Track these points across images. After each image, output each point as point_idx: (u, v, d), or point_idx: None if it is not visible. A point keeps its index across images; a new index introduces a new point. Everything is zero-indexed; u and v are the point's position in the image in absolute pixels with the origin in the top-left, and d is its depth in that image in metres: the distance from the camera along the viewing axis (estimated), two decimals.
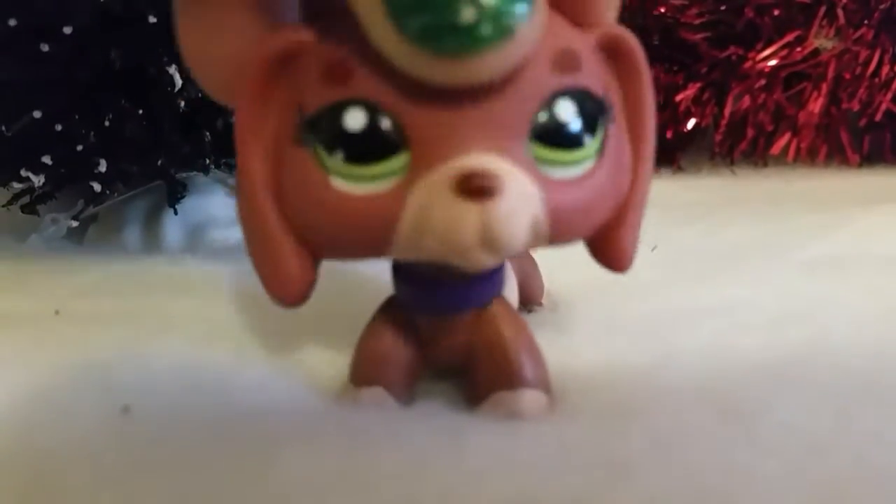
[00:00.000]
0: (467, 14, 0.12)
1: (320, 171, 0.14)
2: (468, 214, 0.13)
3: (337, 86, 0.14)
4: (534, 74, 0.14)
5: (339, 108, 0.14)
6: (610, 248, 0.16)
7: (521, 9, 0.13)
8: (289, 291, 0.15)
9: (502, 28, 0.13)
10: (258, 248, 0.15)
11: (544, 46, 0.14)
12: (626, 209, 0.16)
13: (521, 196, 0.14)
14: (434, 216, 0.14)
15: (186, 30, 0.15)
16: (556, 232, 0.15)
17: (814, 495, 0.14)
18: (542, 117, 0.14)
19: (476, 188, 0.13)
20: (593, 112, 0.15)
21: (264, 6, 0.15)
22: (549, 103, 0.14)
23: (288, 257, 0.15)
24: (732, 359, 0.20)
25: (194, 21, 0.15)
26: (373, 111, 0.14)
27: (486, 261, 0.14)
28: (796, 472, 0.14)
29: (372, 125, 0.14)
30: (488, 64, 0.13)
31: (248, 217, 0.15)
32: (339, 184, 0.14)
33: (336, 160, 0.14)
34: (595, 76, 0.15)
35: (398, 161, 0.14)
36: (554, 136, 0.15)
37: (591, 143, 0.15)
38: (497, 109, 0.14)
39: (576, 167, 0.15)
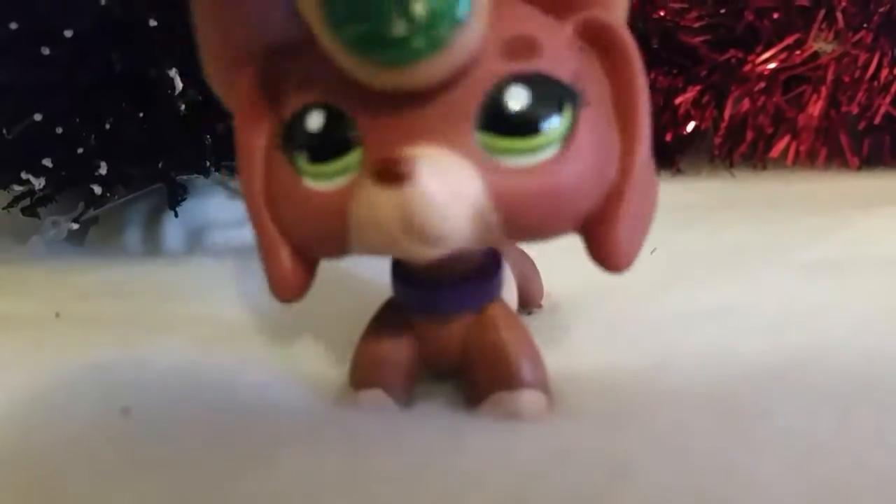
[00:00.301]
0: (399, 28, 0.13)
1: (294, 173, 0.15)
2: (384, 200, 0.14)
3: (304, 92, 0.15)
4: (479, 64, 0.14)
5: (303, 112, 0.15)
6: (602, 244, 0.15)
7: (454, 20, 0.13)
8: (283, 289, 0.16)
9: (435, 41, 0.13)
10: (260, 251, 0.16)
11: (492, 36, 0.14)
12: (616, 201, 0.15)
13: (446, 181, 0.14)
14: (360, 205, 0.14)
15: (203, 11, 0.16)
16: (511, 221, 0.14)
17: (813, 498, 0.14)
18: (489, 105, 0.14)
19: (388, 174, 0.13)
20: (554, 97, 0.14)
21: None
22: (498, 91, 0.14)
23: (281, 258, 0.16)
24: (732, 361, 0.20)
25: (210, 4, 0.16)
26: (328, 112, 0.15)
27: (424, 252, 0.14)
28: (796, 475, 0.14)
29: (327, 124, 0.15)
30: (423, 74, 0.13)
31: (252, 224, 0.16)
32: (308, 183, 0.15)
33: (303, 160, 0.15)
34: (560, 62, 0.15)
35: (353, 158, 0.15)
36: (504, 124, 0.14)
37: (551, 130, 0.14)
38: (441, 102, 0.14)
39: (534, 154, 0.14)
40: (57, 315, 0.26)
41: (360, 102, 0.14)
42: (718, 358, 0.20)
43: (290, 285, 0.16)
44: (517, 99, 0.14)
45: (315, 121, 0.15)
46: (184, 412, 0.18)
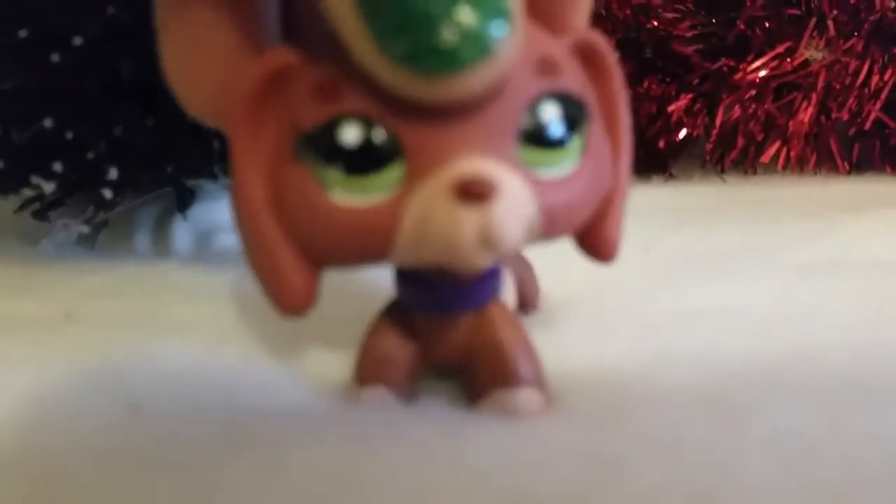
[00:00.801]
0: (448, 37, 0.13)
1: (318, 185, 0.15)
2: (468, 218, 0.14)
3: (328, 102, 0.14)
4: (519, 80, 0.15)
5: (333, 124, 0.14)
6: (597, 240, 0.17)
7: (500, 29, 0.13)
8: (293, 303, 0.15)
9: (483, 49, 0.13)
10: (260, 263, 0.16)
11: (527, 53, 0.15)
12: (609, 202, 0.17)
13: (516, 197, 0.15)
14: (434, 222, 0.14)
15: (168, 48, 0.16)
16: (548, 229, 0.16)
17: (806, 497, 0.14)
18: (529, 120, 0.15)
19: (474, 193, 0.14)
20: (574, 113, 0.16)
21: (247, 26, 0.16)
22: (534, 106, 0.15)
23: (290, 271, 0.15)
24: (724, 361, 0.20)
25: (176, 40, 0.16)
26: (366, 124, 0.14)
27: (484, 262, 0.15)
28: (788, 474, 0.15)
29: (366, 137, 0.14)
30: (470, 83, 0.14)
31: (249, 234, 0.15)
32: (338, 196, 0.15)
33: (333, 173, 0.15)
34: (573, 79, 0.16)
35: (395, 171, 0.15)
36: (540, 138, 0.15)
37: (574, 143, 0.16)
38: (486, 115, 0.15)
39: (561, 166, 0.16)
40: (67, 316, 0.26)
41: (398, 114, 0.14)
42: (711, 358, 0.21)
43: (299, 298, 0.15)
44: (550, 114, 0.15)
45: (350, 134, 0.14)
46: (192, 411, 0.18)
